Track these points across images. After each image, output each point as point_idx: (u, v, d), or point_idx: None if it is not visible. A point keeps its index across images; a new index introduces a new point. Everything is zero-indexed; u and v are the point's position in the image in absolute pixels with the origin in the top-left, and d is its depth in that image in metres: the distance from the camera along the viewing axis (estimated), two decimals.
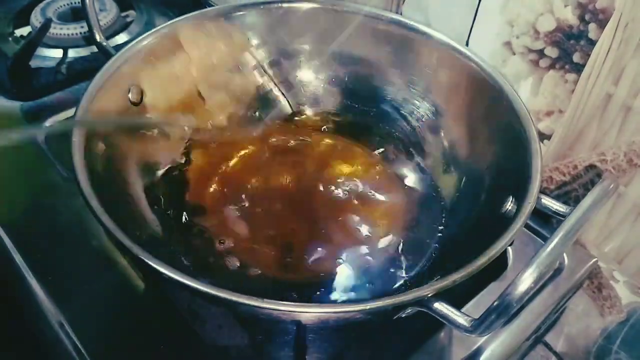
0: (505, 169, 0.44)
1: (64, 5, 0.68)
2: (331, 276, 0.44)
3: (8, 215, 0.47)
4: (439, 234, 0.47)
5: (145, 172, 0.47)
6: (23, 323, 0.41)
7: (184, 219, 0.46)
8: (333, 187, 0.49)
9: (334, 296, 0.43)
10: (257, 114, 0.55)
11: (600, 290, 0.51)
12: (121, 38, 0.67)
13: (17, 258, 0.44)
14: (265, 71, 0.55)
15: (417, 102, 0.53)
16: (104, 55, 0.49)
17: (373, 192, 0.50)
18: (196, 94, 0.52)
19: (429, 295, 0.32)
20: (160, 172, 0.48)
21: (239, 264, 0.44)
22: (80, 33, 0.64)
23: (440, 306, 0.32)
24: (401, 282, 0.44)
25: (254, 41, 0.55)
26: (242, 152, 0.53)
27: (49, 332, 0.40)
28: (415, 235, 0.47)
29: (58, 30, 0.64)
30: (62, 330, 0.40)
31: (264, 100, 0.55)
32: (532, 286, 0.29)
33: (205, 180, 0.50)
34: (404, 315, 0.34)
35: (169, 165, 0.49)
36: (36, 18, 0.65)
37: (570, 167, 0.49)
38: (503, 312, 0.29)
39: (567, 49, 0.45)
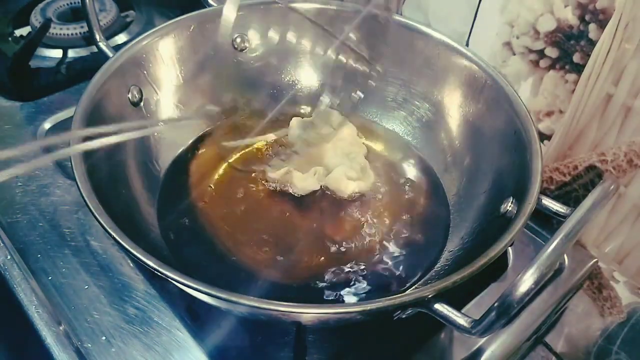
0: (506, 169, 0.44)
1: (64, 5, 0.68)
2: (332, 277, 0.44)
3: (8, 215, 0.47)
4: (440, 234, 0.47)
5: (146, 170, 0.47)
6: (22, 323, 0.41)
7: (182, 218, 0.46)
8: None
9: (335, 297, 0.43)
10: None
11: (600, 291, 0.51)
12: (121, 38, 0.67)
13: (17, 258, 0.44)
14: None
15: (417, 102, 0.53)
16: (104, 55, 0.49)
17: (374, 193, 0.50)
18: None
19: (429, 296, 0.32)
20: (161, 171, 0.49)
21: (238, 265, 0.44)
22: (80, 33, 0.64)
23: (440, 307, 0.32)
24: (405, 284, 0.44)
25: (254, 41, 0.55)
26: (241, 151, 0.53)
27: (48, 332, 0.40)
28: (416, 236, 0.47)
29: (58, 30, 0.64)
30: (62, 330, 0.40)
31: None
32: (533, 287, 0.29)
33: (206, 177, 0.50)
34: (404, 316, 0.34)
35: (170, 163, 0.49)
36: (36, 18, 0.65)
37: (570, 168, 0.49)
38: (503, 312, 0.29)
39: (567, 49, 0.45)
